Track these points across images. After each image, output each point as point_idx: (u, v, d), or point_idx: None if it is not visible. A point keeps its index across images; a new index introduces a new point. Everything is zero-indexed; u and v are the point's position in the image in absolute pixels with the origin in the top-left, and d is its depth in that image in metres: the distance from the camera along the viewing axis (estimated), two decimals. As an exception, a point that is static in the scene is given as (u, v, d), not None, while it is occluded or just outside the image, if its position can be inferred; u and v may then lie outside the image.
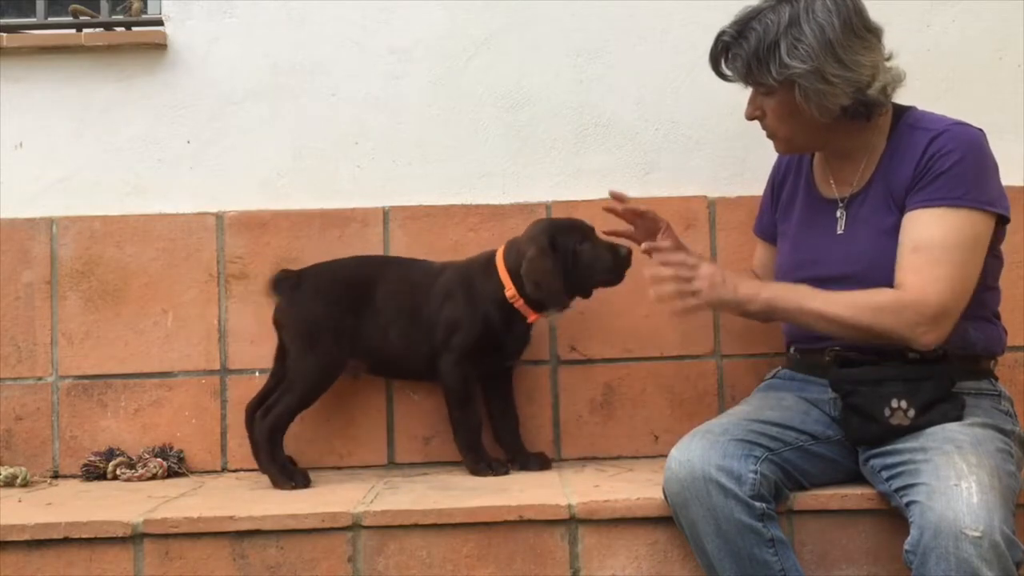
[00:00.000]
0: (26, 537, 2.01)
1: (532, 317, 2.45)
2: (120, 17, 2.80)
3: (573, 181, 2.69)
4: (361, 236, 2.67)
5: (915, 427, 1.96)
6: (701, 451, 1.94)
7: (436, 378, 2.47)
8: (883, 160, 2.12)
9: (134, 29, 2.76)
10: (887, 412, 1.97)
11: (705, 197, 2.67)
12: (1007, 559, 1.72)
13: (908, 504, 1.83)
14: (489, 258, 2.47)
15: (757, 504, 1.91)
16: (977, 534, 1.70)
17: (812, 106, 2.04)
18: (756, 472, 1.92)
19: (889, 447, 1.97)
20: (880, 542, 2.02)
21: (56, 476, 2.63)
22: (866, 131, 2.13)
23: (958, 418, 1.97)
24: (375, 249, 2.66)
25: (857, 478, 2.08)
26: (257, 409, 2.45)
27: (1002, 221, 2.06)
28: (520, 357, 2.55)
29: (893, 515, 1.96)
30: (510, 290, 2.40)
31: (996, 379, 2.15)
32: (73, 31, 2.77)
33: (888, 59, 2.09)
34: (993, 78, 2.70)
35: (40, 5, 2.82)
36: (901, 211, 2.06)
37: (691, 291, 2.06)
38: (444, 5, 2.73)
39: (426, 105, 2.73)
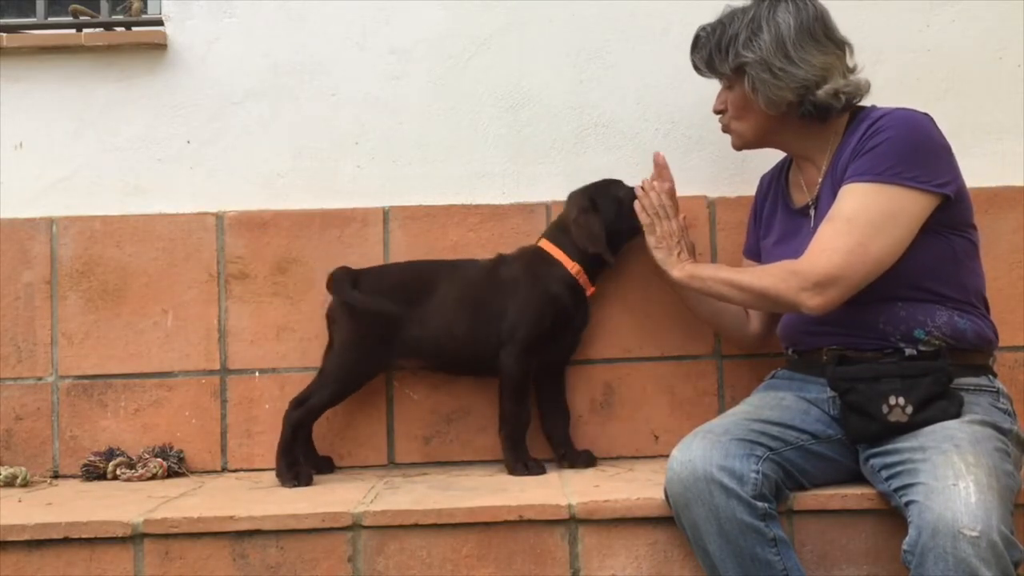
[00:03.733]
0: (26, 537, 2.01)
1: (591, 289, 2.51)
2: (120, 17, 2.80)
3: (573, 181, 2.67)
4: (361, 236, 2.67)
5: (913, 424, 1.96)
6: (703, 451, 1.94)
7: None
8: (835, 155, 2.18)
9: (134, 29, 2.76)
10: (885, 409, 1.98)
11: (705, 197, 2.67)
12: (1005, 559, 1.72)
13: (907, 504, 1.84)
14: (537, 249, 2.53)
15: (759, 504, 1.91)
16: (975, 534, 1.70)
17: (760, 97, 2.16)
18: (758, 472, 1.93)
19: (888, 446, 1.98)
20: (880, 542, 2.02)
21: (56, 476, 2.63)
22: (822, 134, 2.20)
23: (956, 415, 1.97)
24: (375, 249, 2.65)
25: (857, 478, 2.09)
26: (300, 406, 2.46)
27: (948, 201, 2.06)
28: (578, 346, 2.59)
29: (893, 515, 1.96)
30: (574, 266, 2.46)
31: (995, 375, 2.15)
32: (73, 31, 2.77)
33: (852, 71, 2.19)
34: (993, 78, 2.70)
35: (40, 5, 2.82)
36: None
37: (654, 233, 2.39)
38: (444, 5, 2.73)
39: (426, 105, 2.73)
